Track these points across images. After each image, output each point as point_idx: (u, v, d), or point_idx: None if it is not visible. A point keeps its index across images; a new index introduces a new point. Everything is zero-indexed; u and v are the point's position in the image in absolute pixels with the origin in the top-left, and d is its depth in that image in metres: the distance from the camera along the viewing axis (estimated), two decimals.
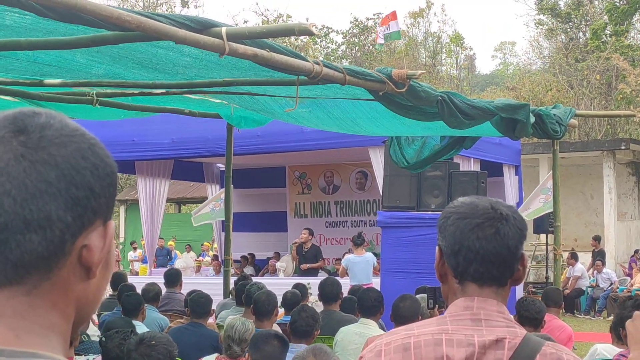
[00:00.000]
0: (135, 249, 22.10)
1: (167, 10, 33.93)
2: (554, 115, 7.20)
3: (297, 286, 7.89)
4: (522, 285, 13.69)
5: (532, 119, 6.78)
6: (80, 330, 5.01)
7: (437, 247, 1.82)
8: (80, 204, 0.91)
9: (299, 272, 13.80)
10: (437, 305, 5.98)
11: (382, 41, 16.77)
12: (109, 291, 8.54)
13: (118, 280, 8.06)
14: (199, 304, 6.27)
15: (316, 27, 4.13)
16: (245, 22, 38.76)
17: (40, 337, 0.90)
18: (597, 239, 18.13)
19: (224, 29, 3.93)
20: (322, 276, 12.22)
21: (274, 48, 4.30)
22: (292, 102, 5.59)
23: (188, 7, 35.05)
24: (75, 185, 0.90)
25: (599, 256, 17.47)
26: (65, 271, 0.92)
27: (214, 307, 7.07)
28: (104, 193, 0.93)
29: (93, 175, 0.92)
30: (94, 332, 6.00)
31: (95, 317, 7.18)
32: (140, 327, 5.95)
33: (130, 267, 21.26)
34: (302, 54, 4.96)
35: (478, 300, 1.74)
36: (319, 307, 7.24)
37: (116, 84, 5.76)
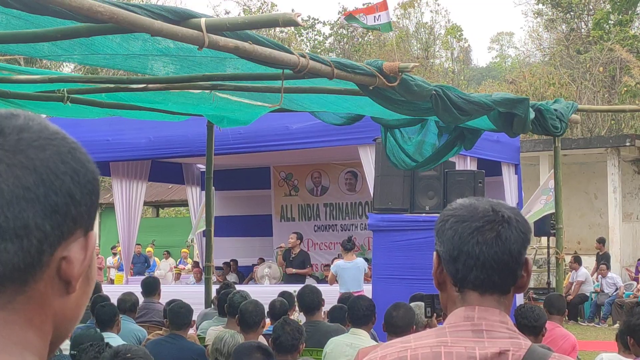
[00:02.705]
0: (115, 254, 21.94)
1: (143, 1, 33.83)
2: (555, 110, 7.22)
3: (283, 294, 7.87)
4: None
5: (532, 114, 6.79)
6: None
7: (434, 253, 1.80)
8: (59, 212, 0.89)
9: (285, 279, 13.76)
10: (435, 314, 5.97)
11: (365, 21, 15.94)
12: None
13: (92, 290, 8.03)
14: (178, 314, 6.26)
15: (302, 18, 4.13)
16: (227, 12, 38.76)
17: (14, 355, 0.89)
18: (602, 241, 18.20)
19: (203, 20, 3.93)
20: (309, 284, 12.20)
21: (257, 40, 4.29)
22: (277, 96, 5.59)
23: None
24: (55, 191, 0.89)
25: (603, 260, 17.54)
26: (42, 285, 0.90)
27: (194, 317, 7.05)
28: (85, 201, 0.92)
29: (73, 181, 0.91)
30: (66, 345, 5.97)
31: None
32: (115, 340, 5.93)
33: (107, 275, 21.15)
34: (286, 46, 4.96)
35: (479, 310, 1.72)
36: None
37: (89, 79, 5.74)
